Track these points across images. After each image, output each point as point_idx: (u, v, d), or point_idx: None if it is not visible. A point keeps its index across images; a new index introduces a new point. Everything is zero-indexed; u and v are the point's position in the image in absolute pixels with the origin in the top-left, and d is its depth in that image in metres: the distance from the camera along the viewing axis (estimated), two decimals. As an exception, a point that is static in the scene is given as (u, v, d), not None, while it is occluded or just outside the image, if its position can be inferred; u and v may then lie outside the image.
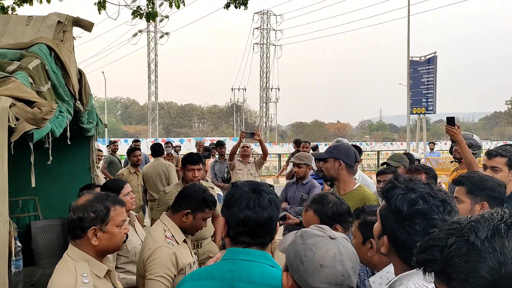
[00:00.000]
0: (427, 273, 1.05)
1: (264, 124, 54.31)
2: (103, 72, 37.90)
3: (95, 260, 2.04)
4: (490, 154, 3.29)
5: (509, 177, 3.15)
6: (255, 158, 7.33)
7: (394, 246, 1.46)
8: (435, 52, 22.20)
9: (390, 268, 1.81)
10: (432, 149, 17.32)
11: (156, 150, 7.40)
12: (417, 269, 1.09)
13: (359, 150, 5.17)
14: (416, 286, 1.41)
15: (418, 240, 1.35)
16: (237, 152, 6.88)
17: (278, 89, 56.80)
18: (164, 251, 2.44)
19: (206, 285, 1.57)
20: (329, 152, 3.30)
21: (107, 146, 11.02)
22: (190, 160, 4.33)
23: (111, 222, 2.05)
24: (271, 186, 1.75)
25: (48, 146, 2.66)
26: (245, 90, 60.46)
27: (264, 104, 54.77)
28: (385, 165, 4.83)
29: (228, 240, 1.63)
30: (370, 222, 1.92)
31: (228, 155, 7.10)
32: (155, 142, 9.06)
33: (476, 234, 0.96)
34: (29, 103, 2.19)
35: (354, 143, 6.66)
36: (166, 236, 2.54)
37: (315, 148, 9.73)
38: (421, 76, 22.14)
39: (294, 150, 8.42)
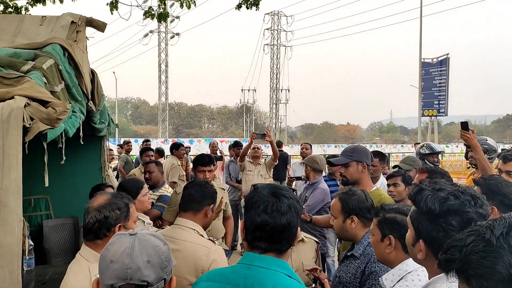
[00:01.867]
0: (449, 273, 1.07)
1: (273, 125, 54.30)
2: (114, 72, 38.23)
3: None
4: (505, 158, 3.27)
5: None
6: (265, 159, 7.32)
7: (431, 247, 1.45)
8: (447, 54, 22.03)
9: (402, 265, 1.90)
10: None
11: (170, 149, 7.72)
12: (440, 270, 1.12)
13: (383, 156, 5.13)
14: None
15: (457, 235, 1.36)
16: (248, 154, 6.88)
17: (288, 90, 56.85)
18: (219, 249, 2.46)
19: (219, 287, 1.54)
20: (350, 156, 3.21)
21: (119, 145, 11.05)
22: (202, 161, 4.32)
23: (131, 219, 2.09)
24: (293, 190, 1.70)
25: (61, 146, 2.68)
26: (255, 91, 60.53)
27: (274, 105, 54.78)
28: (397, 168, 4.79)
29: (246, 244, 1.59)
30: (388, 219, 1.99)
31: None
32: (176, 142, 9.11)
33: (492, 231, 1.00)
34: (43, 103, 2.20)
35: (374, 148, 6.57)
36: (203, 236, 2.50)
37: (280, 144, 10.04)
38: (433, 78, 21.99)
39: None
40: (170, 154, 7.74)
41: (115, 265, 1.19)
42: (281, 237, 1.52)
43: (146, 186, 3.58)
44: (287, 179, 6.61)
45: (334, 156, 3.98)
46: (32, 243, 4.05)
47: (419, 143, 15.83)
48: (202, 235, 2.51)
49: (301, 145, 7.77)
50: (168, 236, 2.38)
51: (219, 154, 9.64)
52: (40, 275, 3.86)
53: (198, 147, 32.59)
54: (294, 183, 6.19)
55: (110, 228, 2.01)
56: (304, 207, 4.41)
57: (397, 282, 1.89)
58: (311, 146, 7.58)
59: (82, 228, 2.18)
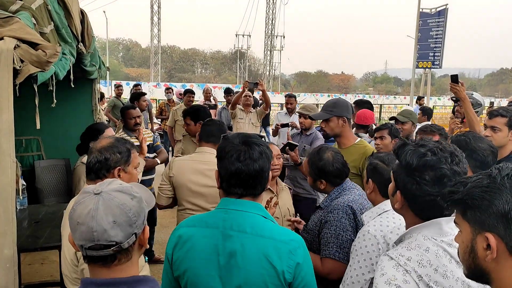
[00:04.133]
0: (448, 204, 1.19)
1: (267, 72, 53.66)
2: (104, 12, 36.96)
3: None
4: (491, 114, 3.35)
5: (509, 137, 3.19)
6: (257, 107, 7.32)
7: (406, 199, 1.54)
8: (446, 4, 21.55)
9: (381, 205, 2.12)
10: (421, 105, 16.11)
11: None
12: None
13: (371, 106, 5.16)
14: (425, 238, 1.48)
15: (429, 189, 1.46)
16: (240, 101, 6.87)
17: (283, 37, 55.70)
18: None
19: (200, 232, 1.61)
20: (330, 111, 3.27)
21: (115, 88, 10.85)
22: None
23: (131, 164, 2.20)
24: (261, 137, 1.77)
25: (52, 88, 2.67)
26: (250, 36, 59.30)
27: (268, 52, 53.82)
28: (394, 120, 4.85)
29: (222, 191, 1.67)
30: (370, 165, 2.22)
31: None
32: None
33: (500, 171, 1.11)
34: (33, 45, 2.18)
35: (359, 98, 6.48)
36: None
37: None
38: (430, 29, 21.62)
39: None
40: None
41: (81, 227, 1.19)
42: (255, 182, 1.61)
43: (110, 129, 3.66)
44: (274, 126, 6.54)
45: None
46: (25, 183, 4.12)
47: (422, 97, 15.32)
48: None
49: (285, 97, 7.38)
50: (197, 160, 3.09)
51: (212, 101, 9.59)
52: (33, 213, 3.97)
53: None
54: (278, 130, 6.22)
55: (110, 169, 2.11)
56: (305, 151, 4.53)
57: (374, 218, 2.07)
58: (295, 97, 7.14)
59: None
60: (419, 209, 1.52)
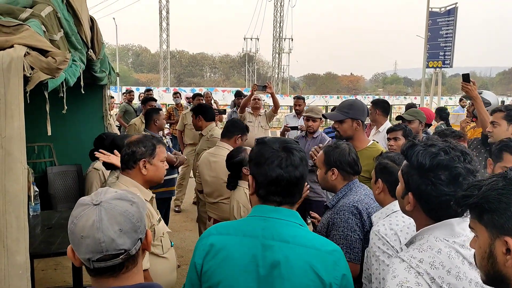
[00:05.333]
0: (462, 209, 1.16)
1: (276, 75, 53.64)
2: (114, 19, 37.32)
3: (142, 187, 2.47)
4: (492, 111, 3.47)
5: (510, 131, 3.26)
6: (266, 110, 7.31)
7: (419, 200, 1.51)
8: (456, 3, 21.35)
9: (390, 205, 2.12)
10: (463, 107, 14.73)
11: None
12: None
13: (388, 105, 5.18)
14: (437, 240, 1.45)
15: (445, 189, 1.43)
16: (248, 105, 6.87)
17: (292, 40, 55.68)
18: None
19: (236, 240, 1.53)
20: (346, 112, 3.22)
21: (124, 94, 10.94)
22: None
23: (156, 157, 2.48)
24: (297, 141, 1.73)
25: (63, 95, 2.69)
26: (258, 40, 59.29)
27: (277, 55, 53.84)
28: (400, 120, 4.81)
29: (256, 198, 1.59)
30: (380, 165, 2.22)
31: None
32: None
33: None
34: (43, 52, 2.19)
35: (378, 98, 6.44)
36: None
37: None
38: (440, 28, 21.42)
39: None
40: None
41: (87, 241, 1.17)
42: (295, 190, 1.56)
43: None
44: (283, 127, 6.53)
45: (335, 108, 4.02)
46: (37, 189, 4.15)
47: (464, 98, 13.73)
48: None
49: (294, 99, 7.41)
50: (212, 153, 3.90)
51: (214, 105, 9.66)
52: (46, 219, 3.99)
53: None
54: (287, 133, 6.21)
55: (136, 161, 2.43)
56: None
57: (384, 218, 2.06)
58: (304, 99, 7.15)
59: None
60: (433, 209, 1.49)
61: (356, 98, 4.65)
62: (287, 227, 1.52)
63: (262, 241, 1.49)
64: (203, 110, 5.04)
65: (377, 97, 42.30)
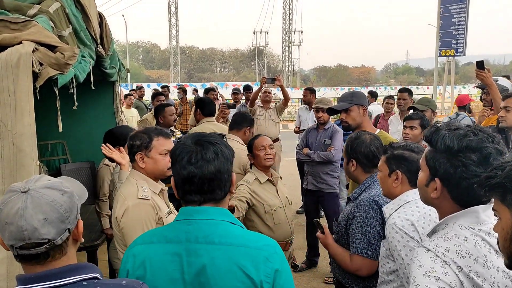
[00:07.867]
0: (486, 190, 1.13)
1: (286, 68, 53.45)
2: (123, 16, 37.50)
3: (151, 180, 2.47)
4: (505, 96, 3.46)
5: None
6: (276, 103, 7.29)
7: (448, 185, 1.46)
8: (468, -10, 20.99)
9: (402, 196, 2.02)
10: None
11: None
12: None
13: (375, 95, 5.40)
14: (462, 228, 1.41)
15: (476, 169, 1.38)
16: (258, 98, 6.85)
17: (301, 32, 55.37)
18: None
19: (159, 248, 1.42)
20: (350, 100, 3.21)
21: (132, 90, 11.03)
22: None
23: (153, 150, 2.44)
24: (223, 136, 1.62)
25: (72, 91, 2.70)
26: (267, 33, 59.05)
27: (287, 48, 53.57)
28: (412, 109, 4.75)
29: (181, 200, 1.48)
30: (396, 155, 2.09)
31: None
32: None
33: None
34: (51, 47, 2.19)
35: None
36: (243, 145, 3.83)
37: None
38: (452, 15, 21.08)
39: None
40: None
41: (10, 227, 1.16)
42: (213, 186, 1.43)
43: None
44: (294, 127, 6.63)
45: None
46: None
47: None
48: (242, 144, 3.92)
49: (303, 91, 7.41)
50: None
51: (220, 99, 9.71)
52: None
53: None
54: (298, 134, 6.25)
55: (134, 154, 2.45)
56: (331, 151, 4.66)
57: (396, 210, 1.98)
58: (311, 91, 7.07)
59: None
60: (462, 194, 1.44)
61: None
62: (215, 226, 1.41)
63: (186, 245, 1.40)
64: (201, 104, 5.09)
65: (388, 88, 41.92)
